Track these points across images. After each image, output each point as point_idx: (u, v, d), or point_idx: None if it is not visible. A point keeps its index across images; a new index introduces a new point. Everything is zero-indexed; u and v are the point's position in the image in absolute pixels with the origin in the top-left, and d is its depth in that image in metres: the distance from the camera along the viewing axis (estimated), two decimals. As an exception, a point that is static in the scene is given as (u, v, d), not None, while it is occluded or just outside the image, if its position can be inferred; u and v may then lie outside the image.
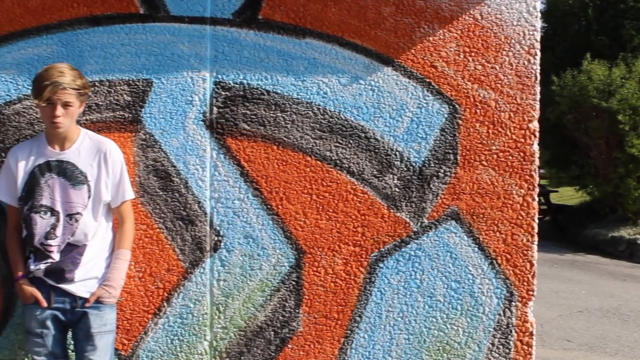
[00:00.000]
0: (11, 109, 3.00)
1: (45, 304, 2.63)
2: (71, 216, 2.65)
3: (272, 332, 3.04)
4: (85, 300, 2.66)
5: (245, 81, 3.00)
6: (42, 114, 2.66)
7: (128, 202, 2.80)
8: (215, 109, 3.00)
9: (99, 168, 2.69)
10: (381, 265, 3.03)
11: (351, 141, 3.01)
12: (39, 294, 2.63)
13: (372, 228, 3.02)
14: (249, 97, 3.00)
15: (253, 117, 3.00)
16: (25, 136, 2.93)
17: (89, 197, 2.68)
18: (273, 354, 3.04)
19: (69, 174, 2.66)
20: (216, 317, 3.03)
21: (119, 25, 2.98)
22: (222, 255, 3.01)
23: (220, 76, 3.00)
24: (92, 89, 2.97)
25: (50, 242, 2.63)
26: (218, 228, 3.01)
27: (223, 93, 3.00)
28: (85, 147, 2.70)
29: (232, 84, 3.00)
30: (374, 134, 3.01)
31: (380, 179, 3.02)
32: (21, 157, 2.69)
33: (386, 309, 3.04)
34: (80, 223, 2.66)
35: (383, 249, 3.03)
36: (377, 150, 3.02)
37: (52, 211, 2.64)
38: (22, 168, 2.67)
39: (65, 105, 2.58)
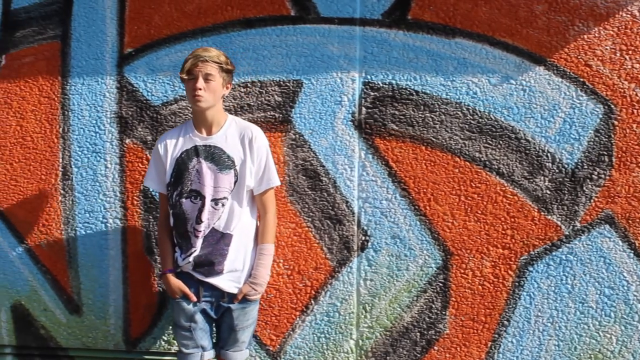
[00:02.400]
0: (168, 109, 3.11)
1: (195, 299, 2.66)
2: (217, 201, 2.64)
3: (418, 333, 3.02)
4: (233, 295, 2.67)
5: (394, 81, 3.00)
6: (186, 91, 2.66)
7: (271, 191, 2.75)
8: (364, 109, 3.01)
9: (244, 153, 2.67)
10: (531, 268, 2.96)
11: (501, 142, 2.96)
12: (186, 289, 2.66)
13: (521, 231, 2.96)
14: (398, 98, 3.00)
15: (401, 117, 3.00)
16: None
17: (235, 181, 2.66)
18: (419, 355, 3.03)
19: (217, 158, 2.66)
20: (362, 316, 3.04)
21: (271, 27, 3.04)
22: (369, 255, 3.02)
23: (369, 76, 3.01)
24: (244, 89, 3.06)
25: (197, 226, 2.64)
26: (365, 228, 3.02)
27: (372, 93, 3.01)
28: (231, 132, 2.69)
29: (381, 85, 3.00)
30: (524, 134, 2.95)
31: (531, 180, 2.95)
32: (170, 144, 2.71)
33: (535, 313, 2.97)
34: (226, 208, 2.65)
35: (533, 252, 2.96)
36: (527, 152, 2.95)
37: (200, 195, 2.64)
38: (170, 154, 2.69)
39: (207, 78, 2.58)
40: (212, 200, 2.64)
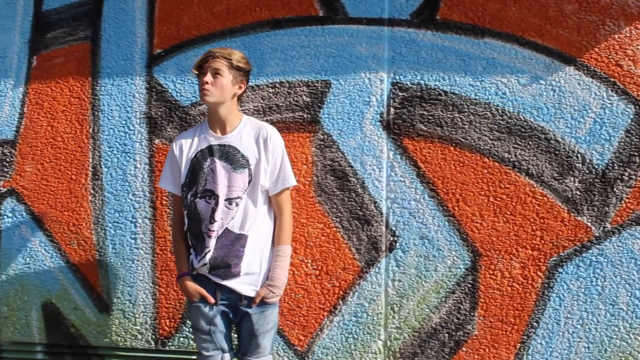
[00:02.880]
0: (197, 109, 3.13)
1: (213, 301, 2.61)
2: (231, 200, 2.60)
3: (447, 334, 3.02)
4: (250, 299, 2.60)
5: (422, 82, 2.99)
6: (198, 87, 2.64)
7: (287, 192, 2.68)
8: (392, 109, 3.01)
9: (259, 152, 2.63)
10: (560, 270, 2.95)
11: (530, 142, 2.94)
12: (204, 291, 2.61)
13: (551, 232, 2.94)
14: (426, 98, 2.99)
15: (430, 117, 2.99)
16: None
17: (249, 181, 2.62)
18: (447, 357, 3.02)
19: (231, 157, 2.62)
20: (390, 317, 3.04)
21: (299, 27, 3.06)
22: (397, 255, 3.02)
23: (397, 77, 3.01)
24: (273, 90, 3.07)
25: (210, 226, 2.59)
26: (394, 228, 3.02)
27: (400, 94, 3.01)
28: (246, 131, 2.66)
29: (410, 85, 3.00)
30: (554, 135, 2.93)
31: (561, 181, 2.93)
32: (185, 145, 2.68)
33: (565, 315, 2.95)
34: (240, 208, 2.61)
35: (562, 254, 2.94)
36: (557, 152, 2.93)
37: (213, 195, 2.61)
38: (185, 154, 2.67)
39: (215, 73, 2.56)
40: (226, 199, 2.60)
